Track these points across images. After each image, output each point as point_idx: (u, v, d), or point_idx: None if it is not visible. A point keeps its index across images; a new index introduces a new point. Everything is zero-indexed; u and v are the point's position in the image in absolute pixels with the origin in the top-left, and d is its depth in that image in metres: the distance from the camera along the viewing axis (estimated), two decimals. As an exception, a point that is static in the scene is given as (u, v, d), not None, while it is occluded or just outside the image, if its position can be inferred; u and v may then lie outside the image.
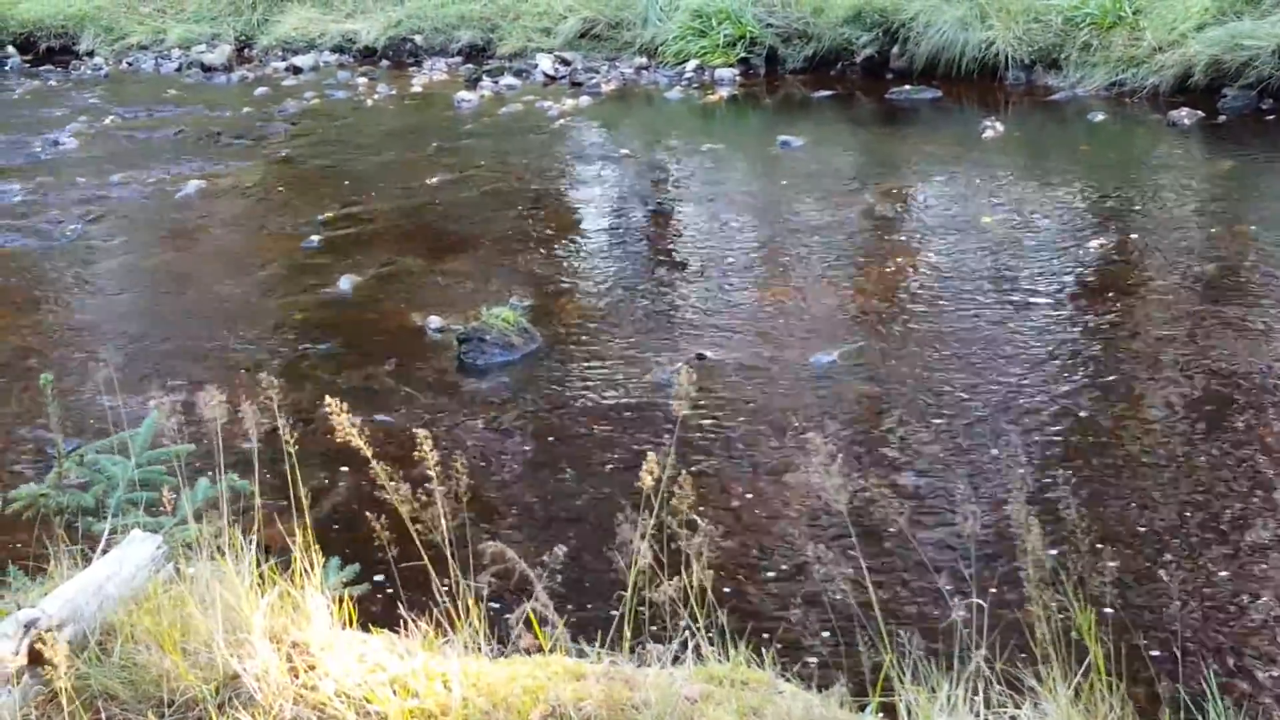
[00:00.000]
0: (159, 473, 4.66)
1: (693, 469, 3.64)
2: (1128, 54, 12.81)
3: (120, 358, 8.20)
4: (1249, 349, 7.18)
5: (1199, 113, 11.60)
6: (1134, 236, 9.07)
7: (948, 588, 3.79)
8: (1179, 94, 12.18)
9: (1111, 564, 3.54)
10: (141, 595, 3.79)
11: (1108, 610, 3.48)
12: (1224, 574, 5.14)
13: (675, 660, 3.61)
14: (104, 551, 4.10)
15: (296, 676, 3.48)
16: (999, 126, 11.89)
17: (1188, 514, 5.64)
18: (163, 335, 8.67)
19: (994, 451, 6.27)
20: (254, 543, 3.95)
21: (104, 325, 9.06)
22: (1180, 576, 5.10)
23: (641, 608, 3.61)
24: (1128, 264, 8.69)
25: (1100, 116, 12.06)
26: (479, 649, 3.65)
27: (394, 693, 3.44)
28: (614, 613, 3.73)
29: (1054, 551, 3.44)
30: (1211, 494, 5.79)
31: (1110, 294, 8.25)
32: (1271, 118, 11.36)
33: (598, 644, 3.70)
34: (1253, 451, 6.13)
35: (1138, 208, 9.74)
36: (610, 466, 6.47)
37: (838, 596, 3.44)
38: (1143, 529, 5.53)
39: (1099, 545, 3.99)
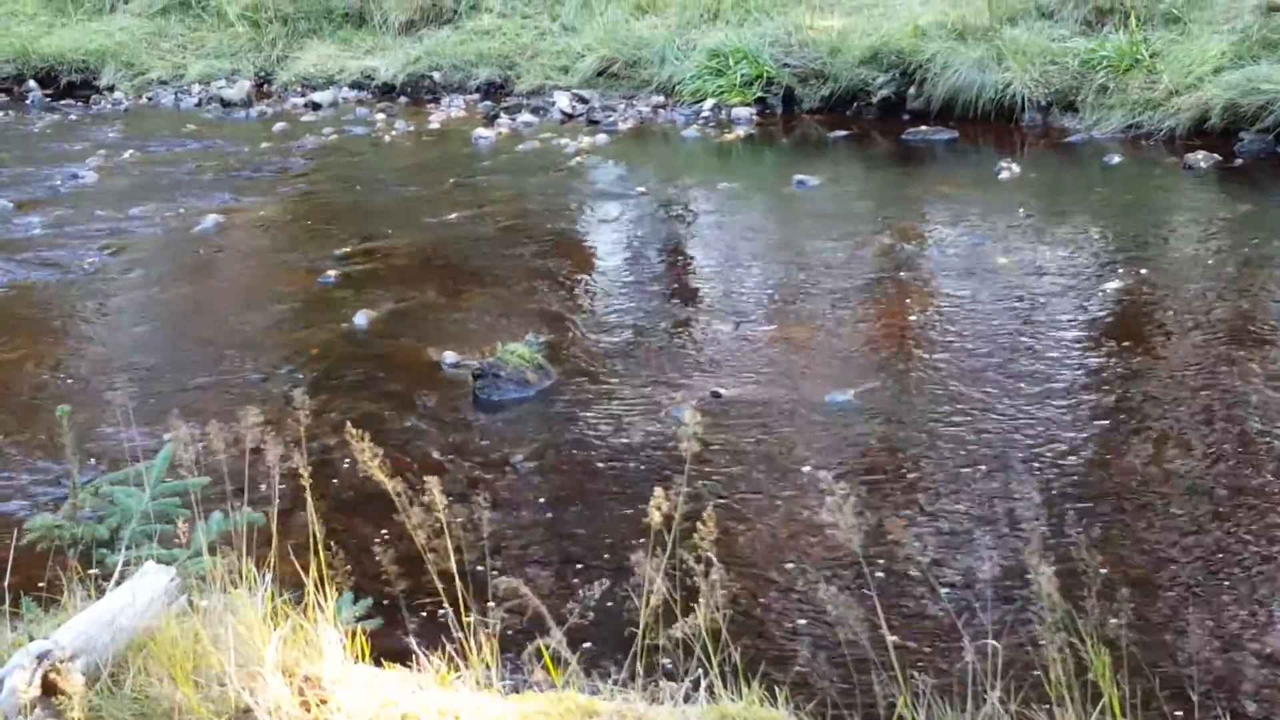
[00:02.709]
0: (173, 505, 4.66)
1: (707, 506, 3.63)
2: (1144, 97, 12.81)
3: (136, 390, 8.22)
4: (1264, 394, 7.15)
5: (1215, 156, 11.59)
6: (1150, 279, 9.06)
7: (963, 628, 3.78)
8: (1195, 137, 12.19)
9: (1127, 606, 3.53)
10: (154, 627, 3.79)
11: (1122, 653, 3.47)
12: (1240, 619, 5.12)
13: (688, 698, 3.60)
14: (117, 583, 4.10)
15: (308, 710, 3.48)
16: (1015, 168, 11.89)
17: (1204, 558, 5.61)
18: (179, 368, 8.68)
19: (1009, 493, 6.26)
20: (268, 576, 3.95)
21: (121, 357, 9.08)
22: (1196, 620, 5.08)
23: (655, 644, 3.60)
24: (1143, 307, 8.67)
25: (1116, 159, 12.06)
26: (491, 685, 3.65)
27: (406, 728, 3.44)
28: (627, 650, 3.72)
29: (1069, 593, 3.42)
30: (1228, 538, 5.76)
31: (1125, 337, 8.24)
32: (1288, 161, 11.40)
33: (611, 681, 3.70)
34: (1269, 497, 6.10)
35: (1153, 251, 9.74)
36: (624, 503, 6.46)
37: (852, 636, 3.43)
38: (1158, 572, 5.51)
39: (1114, 588, 3.98)
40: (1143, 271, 9.18)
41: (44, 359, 8.95)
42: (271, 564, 4.00)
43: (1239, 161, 11.56)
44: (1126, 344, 8.10)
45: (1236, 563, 5.58)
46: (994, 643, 3.42)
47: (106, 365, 8.97)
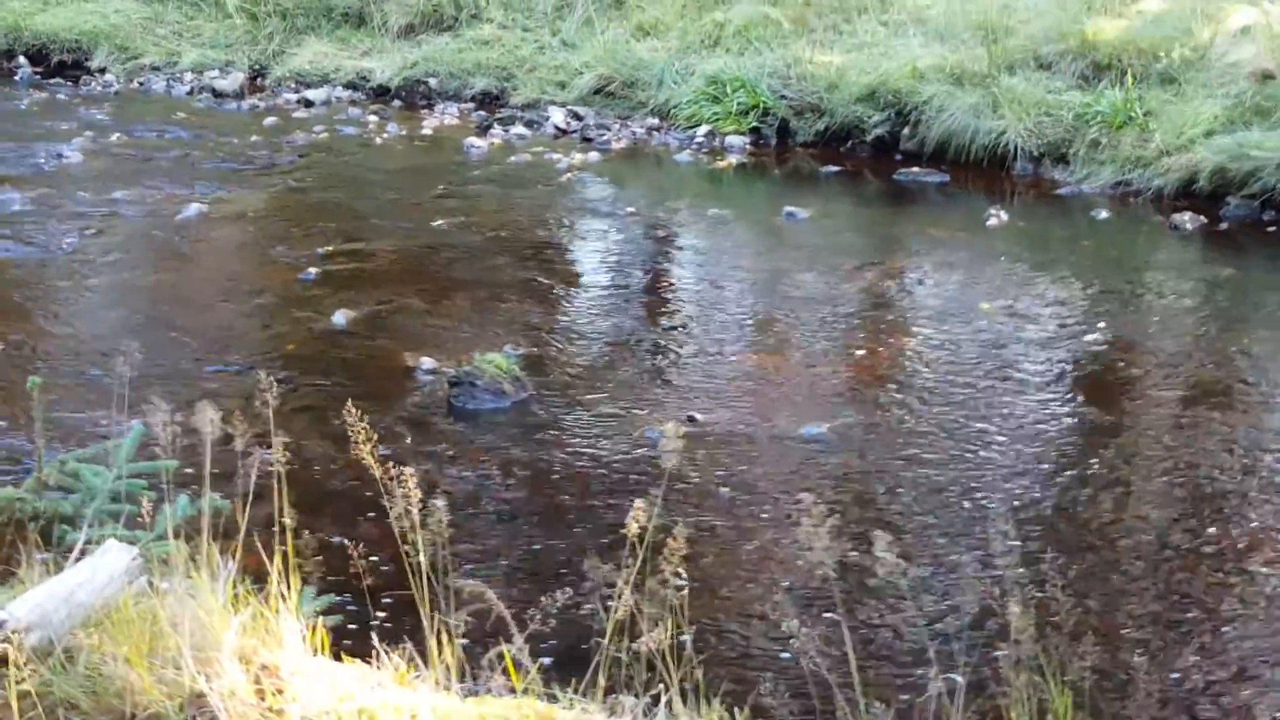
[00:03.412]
0: (140, 486, 4.62)
1: (678, 526, 3.60)
2: (1135, 154, 12.82)
3: (108, 373, 8.16)
4: (1232, 454, 7.17)
5: (1201, 218, 11.60)
6: (1129, 335, 9.07)
7: (927, 662, 3.75)
8: (1183, 198, 12.18)
9: (1091, 650, 3.51)
10: (113, 606, 3.75)
11: (1084, 696, 3.45)
12: (1201, 668, 5.14)
13: (647, 713, 3.57)
14: (77, 560, 4.06)
15: (263, 699, 3.44)
16: (1004, 215, 11.89)
17: (1167, 607, 5.65)
18: (153, 354, 8.61)
19: (978, 534, 6.25)
20: (231, 563, 3.91)
21: (94, 340, 9.03)
22: (1158, 667, 5.09)
23: (618, 657, 3.57)
24: (1121, 362, 8.68)
25: (1104, 214, 12.07)
26: (450, 687, 3.61)
27: (361, 723, 3.40)
28: (589, 661, 3.69)
29: (1034, 633, 3.40)
30: (1192, 590, 5.79)
31: (1100, 390, 8.26)
32: (1273, 229, 11.35)
33: (571, 690, 3.66)
34: (1232, 551, 6.12)
35: (1134, 307, 9.74)
36: (594, 518, 6.45)
37: (816, 662, 3.40)
38: (1123, 618, 5.52)
39: (1079, 631, 3.96)
40: (1122, 327, 9.19)
41: (14, 337, 8.89)
42: (236, 551, 3.95)
43: (1224, 225, 11.57)
44: (1101, 397, 8.11)
45: (1199, 613, 5.61)
46: (957, 678, 3.40)
47: (79, 347, 8.93)
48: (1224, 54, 13.40)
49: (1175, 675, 5.13)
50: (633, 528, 3.50)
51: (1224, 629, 5.52)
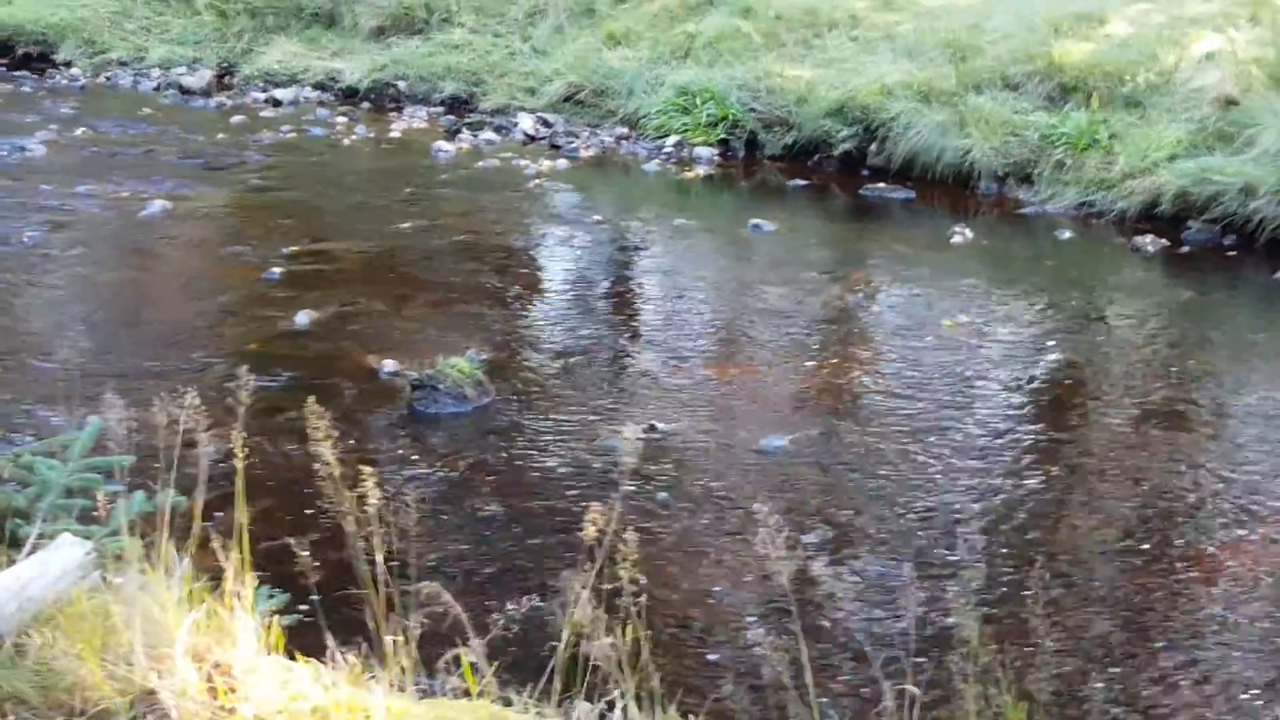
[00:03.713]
0: (95, 481, 4.58)
1: (635, 534, 3.60)
2: (1099, 176, 12.87)
3: (67, 368, 8.11)
4: (1185, 472, 7.21)
5: (1163, 241, 11.65)
6: (1088, 355, 9.10)
7: (883, 672, 3.76)
8: (1145, 221, 12.23)
9: (1045, 661, 3.53)
10: (65, 601, 3.72)
11: (1039, 708, 3.46)
12: (1154, 680, 5.17)
13: (602, 717, 3.56)
14: (30, 554, 4.02)
15: (215, 697, 3.42)
16: (968, 233, 11.93)
17: (1122, 621, 5.69)
18: (113, 350, 8.59)
19: (936, 548, 6.27)
20: (186, 560, 3.88)
21: (52, 335, 8.98)
22: (1112, 680, 5.12)
23: (574, 662, 3.56)
24: (1080, 381, 8.71)
25: (1067, 235, 12.11)
26: (405, 688, 3.59)
27: (314, 723, 3.38)
28: (546, 665, 3.68)
29: (990, 644, 3.41)
30: (1146, 604, 5.83)
31: (1060, 407, 8.29)
32: (1233, 254, 11.41)
33: (526, 694, 3.65)
34: (1186, 565, 6.16)
35: (1095, 328, 9.78)
36: (553, 524, 6.44)
37: (773, 670, 3.40)
38: (1079, 632, 5.54)
39: (1035, 643, 3.98)
40: (1082, 347, 9.23)
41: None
42: (191, 548, 3.93)
43: (1185, 249, 11.63)
44: (1059, 414, 8.15)
45: (1152, 626, 5.64)
46: (912, 688, 3.40)
47: (37, 342, 8.88)
48: (1188, 79, 13.49)
49: (1129, 688, 5.16)
50: (589, 531, 3.49)
51: (1177, 642, 5.56)
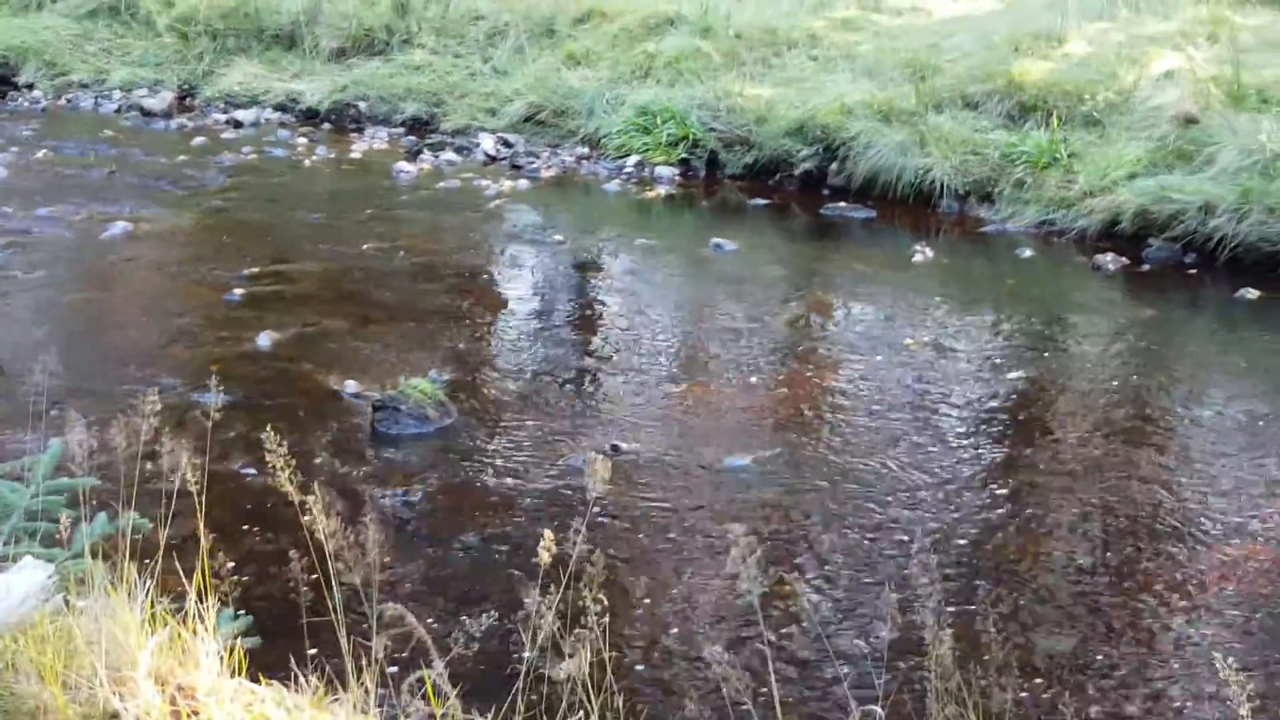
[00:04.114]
0: (57, 503, 4.57)
1: (598, 555, 3.61)
2: (1059, 195, 12.93)
3: (29, 390, 8.07)
4: (1147, 490, 7.26)
5: (1124, 259, 11.71)
6: (1050, 373, 9.15)
7: (849, 691, 3.77)
8: (1106, 239, 12.29)
9: (1011, 681, 3.54)
10: (28, 624, 3.71)
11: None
12: (1119, 699, 5.18)
13: (566, 739, 3.56)
14: (-8, 577, 4.01)
15: (179, 719, 3.41)
16: (929, 252, 11.98)
17: (1087, 640, 5.71)
18: (75, 372, 8.54)
19: (900, 566, 6.28)
20: (149, 583, 3.87)
21: (13, 357, 8.92)
22: (1077, 699, 5.14)
23: (538, 683, 3.57)
24: (1042, 399, 8.75)
25: (1028, 253, 12.17)
26: (368, 710, 3.59)
27: (277, 746, 3.37)
28: (510, 687, 3.68)
29: (957, 664, 3.42)
30: (1111, 623, 5.86)
31: (1023, 425, 8.33)
32: (1193, 271, 11.48)
33: (490, 715, 3.65)
34: (1150, 587, 6.19)
35: (1056, 346, 9.83)
36: (515, 545, 6.44)
37: (738, 689, 3.41)
38: (1044, 651, 5.57)
39: (1000, 662, 3.99)
40: (1043, 365, 9.28)
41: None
42: (154, 571, 3.92)
43: (1146, 267, 11.69)
44: (1022, 433, 8.19)
45: (1117, 645, 5.68)
46: (878, 709, 3.41)
47: (-2, 363, 8.83)
48: (1148, 98, 13.58)
49: (1095, 707, 5.18)
50: (544, 556, 3.50)
51: (1142, 661, 5.60)
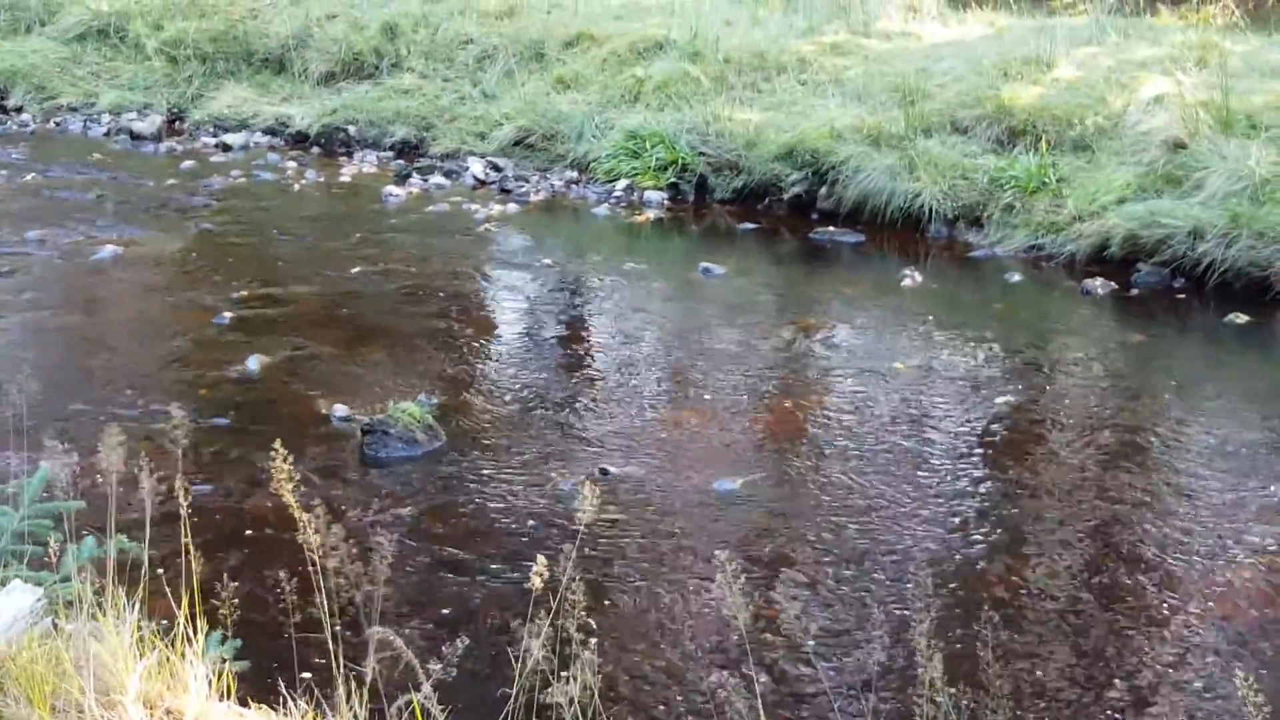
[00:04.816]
0: (45, 527, 4.56)
1: (587, 580, 3.60)
2: (1048, 219, 12.96)
3: (17, 413, 8.05)
4: (1141, 513, 7.26)
5: (1112, 284, 11.73)
6: (1040, 398, 9.16)
7: (841, 715, 3.77)
8: (1095, 264, 12.31)
9: (1003, 703, 3.54)
10: (16, 647, 3.70)
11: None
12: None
13: (555, 764, 3.56)
14: (-20, 600, 4.00)
15: (167, 744, 3.40)
16: (918, 277, 12.00)
17: (1079, 662, 5.72)
18: (64, 395, 8.54)
19: (891, 590, 6.30)
20: (136, 606, 3.87)
21: (2, 380, 8.91)
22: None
23: (528, 709, 3.56)
24: (1031, 423, 8.76)
25: (1017, 277, 12.20)
26: (357, 734, 3.59)
27: (266, 770, 3.37)
28: (498, 712, 3.68)
29: (944, 687, 3.42)
30: (1103, 645, 5.87)
31: (1012, 449, 8.33)
32: (1182, 296, 11.51)
33: (479, 740, 3.65)
34: (1142, 608, 6.20)
35: (1045, 370, 9.84)
36: (505, 568, 6.43)
37: (727, 715, 3.41)
38: (1036, 674, 5.56)
39: (992, 685, 3.98)
40: (1033, 389, 9.29)
41: (-76, 372, 8.77)
42: (142, 594, 3.91)
43: (1135, 291, 11.71)
44: (1011, 457, 8.19)
45: (1110, 667, 5.67)
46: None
47: (-13, 386, 8.81)
48: (1137, 123, 13.62)
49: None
50: (536, 582, 3.50)
51: (1133, 684, 5.60)
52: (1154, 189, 12.67)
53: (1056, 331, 10.96)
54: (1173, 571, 6.64)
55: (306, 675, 3.79)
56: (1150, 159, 13.02)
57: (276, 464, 3.72)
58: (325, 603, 3.68)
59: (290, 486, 3.70)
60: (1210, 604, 6.31)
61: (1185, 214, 11.96)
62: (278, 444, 3.81)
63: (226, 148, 17.94)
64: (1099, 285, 11.77)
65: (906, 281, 11.92)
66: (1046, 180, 13.29)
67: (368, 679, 3.65)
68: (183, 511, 3.98)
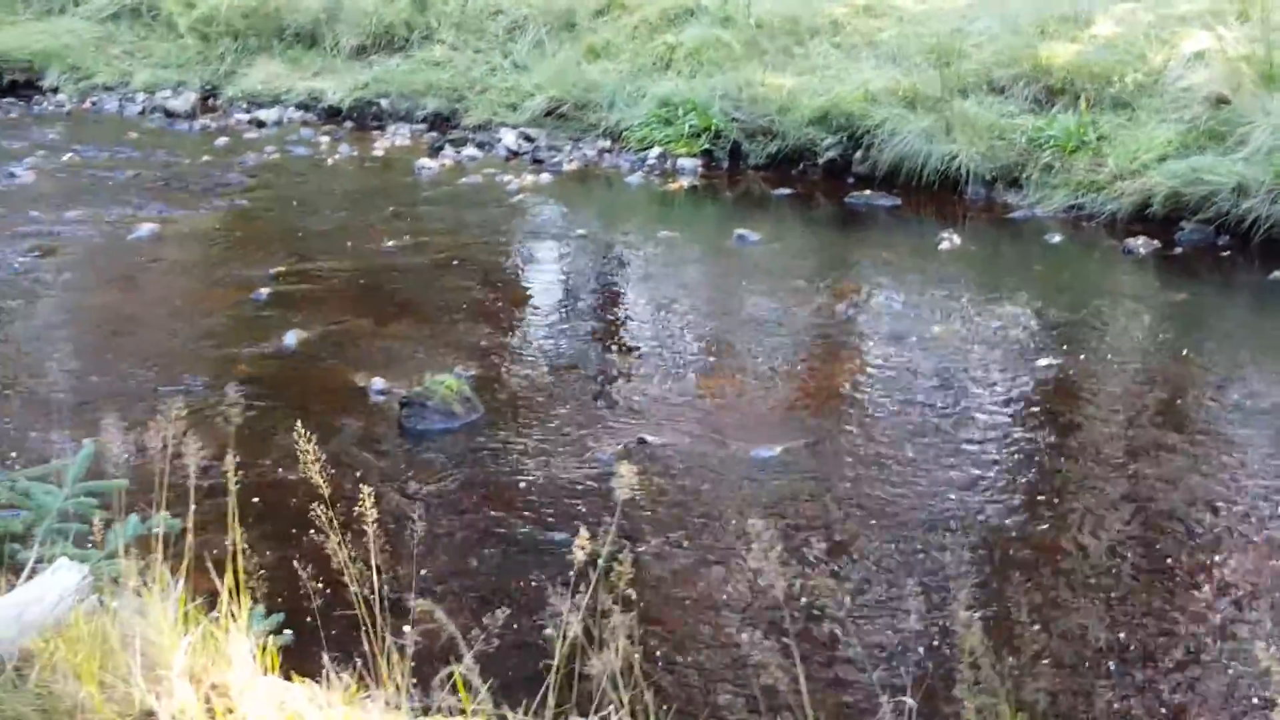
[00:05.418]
0: (90, 505, 4.59)
1: (627, 549, 3.61)
2: (1088, 179, 12.87)
3: (59, 393, 8.12)
4: (1185, 477, 7.21)
5: (1155, 243, 11.65)
6: (1081, 360, 9.10)
7: (880, 683, 3.76)
8: (1136, 222, 12.22)
9: (1045, 672, 3.53)
10: (63, 625, 3.72)
11: (1038, 718, 3.47)
12: (1155, 690, 5.15)
13: (598, 733, 3.56)
14: (28, 578, 4.02)
15: (213, 717, 3.42)
16: (956, 239, 11.94)
17: (1123, 630, 5.67)
18: (105, 374, 8.59)
19: (930, 558, 6.27)
20: (181, 582, 3.89)
21: (44, 360, 8.97)
22: (1112, 690, 5.11)
23: (568, 678, 3.57)
24: (1074, 385, 8.71)
25: (1057, 238, 12.12)
26: (400, 706, 3.60)
27: (311, 743, 3.38)
28: (540, 682, 3.68)
29: (988, 654, 3.41)
30: (1147, 615, 5.82)
31: (1054, 413, 8.29)
32: (1226, 254, 11.41)
33: (521, 710, 3.65)
34: (1184, 570, 6.16)
35: (1087, 331, 9.78)
36: (544, 538, 6.44)
37: (767, 684, 3.40)
38: (1078, 641, 5.54)
39: (1034, 653, 3.98)
40: (1074, 351, 9.23)
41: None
42: (186, 570, 3.93)
43: (1178, 250, 11.63)
44: (1053, 421, 8.15)
45: (1154, 635, 5.63)
46: (910, 700, 3.40)
47: (29, 366, 8.87)
48: (1178, 78, 13.49)
49: (1130, 697, 5.15)
50: (578, 554, 3.50)
51: (1178, 650, 5.55)
52: (1196, 145, 12.55)
53: (1098, 292, 10.88)
54: (1218, 532, 6.60)
55: (349, 648, 3.80)
56: (1192, 115, 12.90)
57: (301, 445, 3.72)
58: (368, 576, 3.69)
59: (317, 467, 3.69)
60: (1258, 565, 6.27)
61: (1229, 170, 11.86)
62: (299, 426, 3.81)
63: (260, 124, 17.98)
64: (1141, 244, 11.69)
65: (944, 245, 11.87)
66: (1086, 139, 13.20)
67: (409, 651, 3.66)
68: (226, 487, 3.99)
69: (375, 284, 10.92)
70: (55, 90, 19.85)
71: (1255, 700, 5.16)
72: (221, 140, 16.81)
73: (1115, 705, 5.00)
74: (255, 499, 6.58)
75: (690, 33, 17.05)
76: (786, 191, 14.14)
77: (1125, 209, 12.42)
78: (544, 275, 11.79)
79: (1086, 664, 5.39)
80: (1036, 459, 7.57)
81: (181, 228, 12.60)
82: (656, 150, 15.32)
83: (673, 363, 9.12)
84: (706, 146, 15.21)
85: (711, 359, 9.30)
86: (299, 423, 3.88)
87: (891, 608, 5.80)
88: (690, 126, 15.33)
